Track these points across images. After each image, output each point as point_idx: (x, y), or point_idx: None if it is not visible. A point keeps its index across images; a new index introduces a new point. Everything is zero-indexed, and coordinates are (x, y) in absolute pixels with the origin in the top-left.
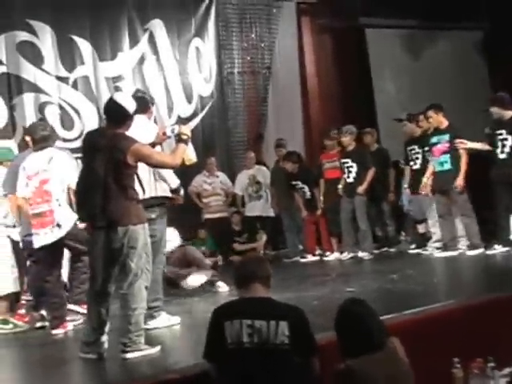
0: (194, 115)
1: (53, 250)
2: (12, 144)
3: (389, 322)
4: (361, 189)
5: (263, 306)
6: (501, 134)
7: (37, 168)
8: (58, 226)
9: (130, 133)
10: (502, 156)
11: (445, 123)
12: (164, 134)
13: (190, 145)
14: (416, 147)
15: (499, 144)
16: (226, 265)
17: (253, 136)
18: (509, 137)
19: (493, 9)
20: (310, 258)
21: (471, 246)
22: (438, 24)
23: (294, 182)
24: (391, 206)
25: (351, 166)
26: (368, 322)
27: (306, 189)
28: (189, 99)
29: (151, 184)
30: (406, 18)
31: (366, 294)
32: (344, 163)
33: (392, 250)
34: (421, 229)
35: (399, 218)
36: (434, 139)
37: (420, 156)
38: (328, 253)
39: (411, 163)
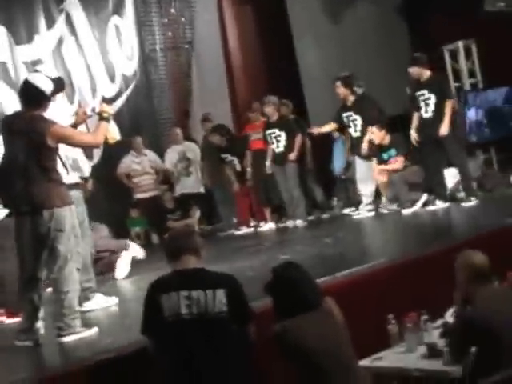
0: (119, 95)
1: None
2: None
3: (323, 284)
4: (292, 155)
5: (198, 277)
6: (422, 95)
7: None
8: None
9: (47, 114)
10: (427, 115)
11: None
12: (85, 113)
13: (113, 122)
14: (352, 113)
15: (422, 104)
16: (161, 243)
17: (179, 112)
18: (431, 95)
19: None
20: (244, 230)
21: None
22: None
23: (223, 155)
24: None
25: (279, 135)
26: (301, 284)
27: (236, 161)
28: (112, 79)
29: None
30: None
31: (300, 260)
32: (270, 134)
33: (325, 215)
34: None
35: (330, 182)
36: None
37: (358, 122)
38: (262, 223)
39: (350, 129)
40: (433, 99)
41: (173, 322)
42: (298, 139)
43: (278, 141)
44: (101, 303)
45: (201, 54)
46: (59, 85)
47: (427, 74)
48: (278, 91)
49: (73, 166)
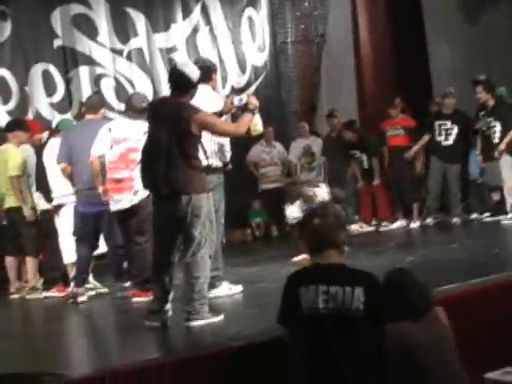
0: (248, 85)
1: (129, 215)
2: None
3: (449, 292)
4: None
5: (338, 272)
6: None
7: (127, 135)
8: (135, 192)
9: (194, 102)
10: None
11: None
12: (232, 103)
13: (258, 115)
14: (492, 119)
15: None
16: (280, 236)
17: (306, 106)
18: None
19: None
20: (366, 228)
21: None
22: None
23: (352, 152)
24: None
25: (451, 129)
26: (411, 291)
27: (364, 158)
28: (242, 69)
29: (212, 154)
30: None
31: (424, 264)
32: (441, 125)
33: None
34: (496, 196)
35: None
36: None
37: (497, 128)
38: (385, 223)
39: (483, 129)
40: None
41: (309, 315)
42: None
43: (449, 134)
44: (226, 291)
45: (331, 48)
46: (209, 73)
47: None
48: (406, 89)
49: (218, 150)
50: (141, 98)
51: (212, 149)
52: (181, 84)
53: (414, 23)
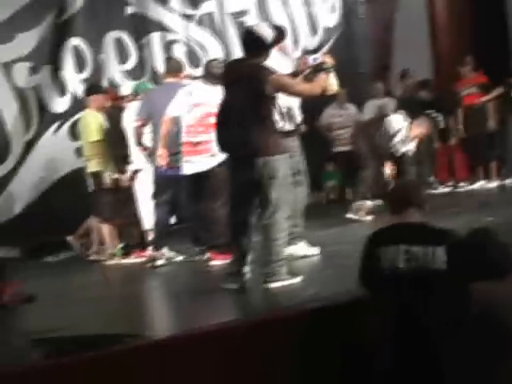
0: (320, 47)
1: (207, 179)
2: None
3: None
4: None
5: (419, 232)
6: None
7: (207, 99)
8: (213, 155)
9: (268, 63)
10: None
11: None
12: (305, 63)
13: (333, 74)
14: None
15: None
16: (354, 199)
17: (380, 66)
18: None
19: None
20: (443, 189)
21: None
22: None
23: (427, 111)
24: None
25: None
26: (493, 251)
27: (441, 118)
28: (314, 31)
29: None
30: None
31: (505, 224)
32: None
33: None
34: None
35: None
36: None
37: None
38: (463, 183)
39: None
40: None
41: (390, 275)
42: None
43: None
44: (303, 251)
45: (404, 6)
46: (281, 34)
47: None
48: (482, 49)
49: (288, 114)
50: (219, 63)
51: (280, 113)
52: (255, 46)
53: None
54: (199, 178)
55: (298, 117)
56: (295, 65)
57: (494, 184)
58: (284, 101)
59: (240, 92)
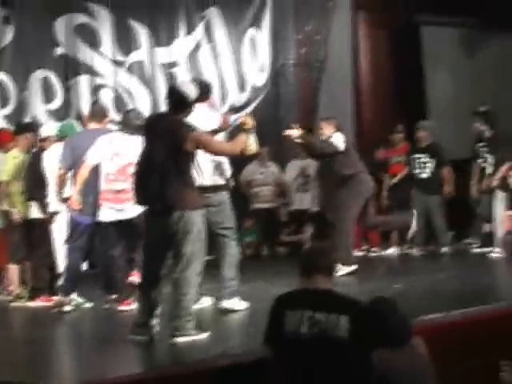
0: (247, 104)
1: (125, 227)
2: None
3: (431, 322)
4: (448, 189)
5: (325, 298)
6: None
7: (126, 149)
8: (133, 204)
9: (190, 119)
10: None
11: None
12: (227, 122)
13: (252, 134)
14: (487, 150)
15: None
16: (271, 256)
17: (304, 128)
18: None
19: None
20: (356, 253)
21: None
22: (495, 22)
23: None
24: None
25: (427, 162)
26: (391, 321)
27: None
28: (242, 88)
29: (214, 171)
30: (462, 16)
31: (411, 292)
32: (418, 158)
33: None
34: (487, 228)
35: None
36: None
37: (490, 161)
38: (375, 248)
39: (479, 161)
40: None
41: (292, 340)
42: (450, 170)
43: (425, 167)
44: (235, 305)
45: (331, 72)
46: (206, 92)
47: None
48: (404, 117)
49: (217, 168)
50: (136, 114)
51: (210, 167)
52: (178, 102)
53: (414, 53)
54: (116, 225)
55: (228, 171)
56: (217, 123)
57: (404, 252)
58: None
59: (160, 146)
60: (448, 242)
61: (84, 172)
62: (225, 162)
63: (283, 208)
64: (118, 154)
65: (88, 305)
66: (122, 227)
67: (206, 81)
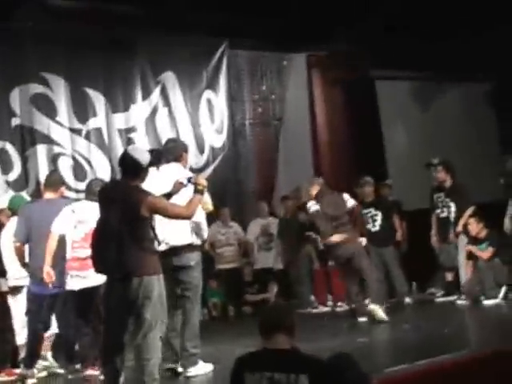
0: (206, 166)
1: (87, 295)
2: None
3: (396, 373)
4: (398, 235)
5: (284, 359)
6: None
7: (91, 216)
8: None
9: (145, 184)
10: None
11: None
12: (180, 183)
13: (207, 194)
14: (443, 195)
15: None
16: (237, 316)
17: (264, 186)
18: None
19: (501, 61)
20: (321, 308)
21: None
22: (448, 75)
23: (307, 233)
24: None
25: (376, 215)
26: (350, 377)
27: (319, 239)
28: (201, 150)
29: (188, 231)
30: (415, 70)
31: (377, 344)
32: (367, 213)
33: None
34: (449, 277)
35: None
36: None
37: (452, 209)
38: (340, 303)
39: (438, 211)
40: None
41: None
42: (397, 220)
43: (375, 220)
44: (203, 369)
45: (288, 129)
46: (180, 152)
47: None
48: (362, 172)
49: (195, 229)
50: (99, 183)
51: (190, 227)
52: (131, 168)
53: (369, 109)
54: (81, 293)
55: (205, 232)
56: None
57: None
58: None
59: (115, 213)
60: (408, 292)
61: (52, 243)
62: (203, 222)
63: (247, 267)
64: (81, 222)
65: (60, 370)
66: (87, 294)
67: (179, 140)
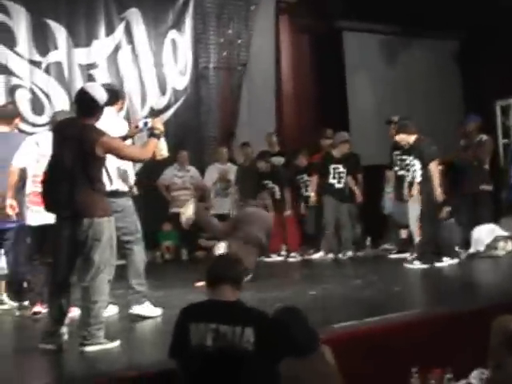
0: (167, 108)
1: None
2: None
3: (345, 329)
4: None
5: (230, 311)
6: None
7: None
8: None
9: (100, 124)
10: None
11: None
12: (136, 127)
13: (163, 139)
14: (400, 153)
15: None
16: (190, 260)
17: (224, 132)
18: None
19: (469, 20)
20: (275, 257)
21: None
22: (416, 31)
23: (265, 182)
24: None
25: (343, 172)
26: (295, 330)
27: (277, 189)
28: (163, 91)
29: (117, 177)
30: (384, 24)
31: (327, 299)
32: (335, 168)
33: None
34: (403, 234)
35: (380, 221)
36: None
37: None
38: (294, 253)
39: (396, 168)
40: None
41: (197, 352)
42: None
43: (341, 177)
44: (148, 311)
45: (253, 76)
46: (115, 97)
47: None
48: (324, 122)
49: (123, 176)
50: (65, 114)
51: (116, 174)
52: (87, 106)
53: (336, 59)
54: (39, 230)
55: (132, 178)
56: (126, 128)
57: (326, 256)
58: (118, 162)
59: (69, 151)
60: (361, 247)
61: (12, 176)
62: (129, 168)
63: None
64: (45, 156)
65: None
66: (45, 230)
67: (115, 85)
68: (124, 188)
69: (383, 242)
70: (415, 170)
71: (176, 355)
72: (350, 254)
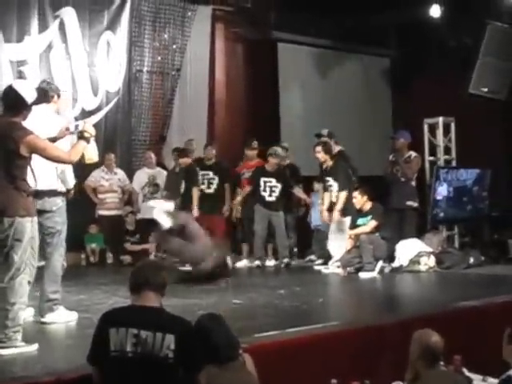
0: (98, 109)
1: None
2: None
3: (267, 339)
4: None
5: (152, 317)
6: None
7: None
8: None
9: (29, 123)
10: None
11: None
12: (67, 129)
13: (94, 143)
14: (330, 179)
15: None
16: (115, 264)
17: (155, 137)
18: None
19: (400, 38)
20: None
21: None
22: (349, 47)
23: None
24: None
25: (275, 186)
26: (216, 338)
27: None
28: (95, 92)
29: (55, 177)
30: (318, 37)
31: (251, 308)
32: (267, 182)
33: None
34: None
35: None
36: None
37: (334, 188)
38: None
39: (326, 193)
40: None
41: (117, 358)
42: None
43: (273, 191)
44: (62, 317)
45: (186, 82)
46: (46, 96)
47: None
48: (256, 133)
49: (60, 176)
50: None
51: (56, 173)
52: (14, 104)
53: (269, 70)
54: None
55: (71, 181)
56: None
57: (243, 264)
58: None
59: None
60: (287, 255)
61: None
62: (69, 171)
63: (130, 216)
64: None
65: None
66: None
67: (53, 84)
68: (62, 189)
69: (309, 253)
70: (334, 191)
71: (95, 362)
72: (286, 260)
